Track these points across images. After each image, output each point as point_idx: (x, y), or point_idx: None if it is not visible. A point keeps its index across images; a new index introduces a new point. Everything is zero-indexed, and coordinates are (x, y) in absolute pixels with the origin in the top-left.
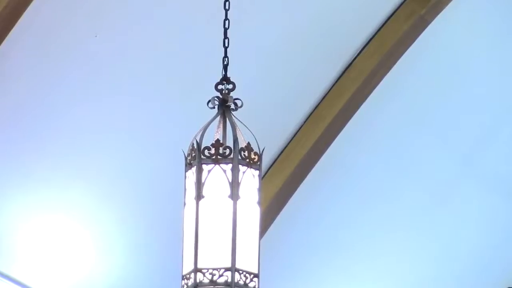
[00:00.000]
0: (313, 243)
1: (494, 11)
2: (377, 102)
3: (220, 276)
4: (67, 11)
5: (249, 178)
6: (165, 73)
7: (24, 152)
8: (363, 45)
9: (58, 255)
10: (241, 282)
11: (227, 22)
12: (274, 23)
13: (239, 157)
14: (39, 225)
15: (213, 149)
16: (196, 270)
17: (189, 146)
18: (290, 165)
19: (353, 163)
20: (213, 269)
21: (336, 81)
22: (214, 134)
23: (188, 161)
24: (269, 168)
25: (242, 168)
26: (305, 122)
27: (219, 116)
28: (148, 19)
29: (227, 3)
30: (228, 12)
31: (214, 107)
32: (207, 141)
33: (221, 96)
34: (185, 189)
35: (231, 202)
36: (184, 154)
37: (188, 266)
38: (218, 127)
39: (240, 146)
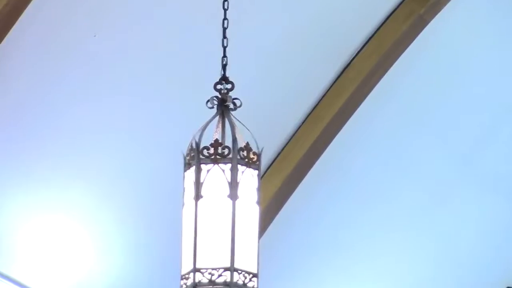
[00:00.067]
0: (313, 243)
1: (493, 10)
2: (376, 101)
3: (219, 276)
4: (68, 10)
5: (248, 177)
6: (165, 73)
7: (24, 151)
8: (361, 45)
9: (57, 255)
10: (240, 282)
11: (226, 22)
12: (273, 23)
13: (238, 157)
14: (39, 225)
15: (212, 149)
16: (195, 270)
17: (188, 146)
18: (289, 165)
19: (352, 163)
20: (212, 269)
21: (335, 81)
22: (213, 134)
23: (187, 161)
24: (268, 168)
25: (241, 168)
26: (304, 121)
27: (218, 116)
28: (148, 19)
29: (225, 3)
30: (228, 12)
31: (213, 107)
32: (206, 141)
33: (220, 96)
34: (184, 189)
35: (230, 202)
36: (183, 155)
37: (187, 266)
38: (217, 126)
39: (239, 146)
